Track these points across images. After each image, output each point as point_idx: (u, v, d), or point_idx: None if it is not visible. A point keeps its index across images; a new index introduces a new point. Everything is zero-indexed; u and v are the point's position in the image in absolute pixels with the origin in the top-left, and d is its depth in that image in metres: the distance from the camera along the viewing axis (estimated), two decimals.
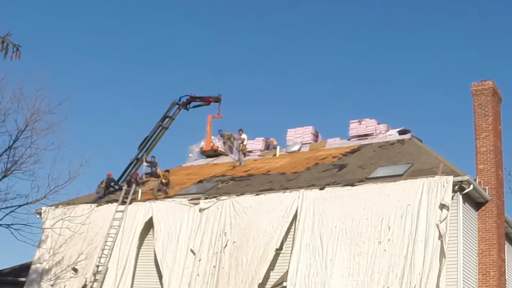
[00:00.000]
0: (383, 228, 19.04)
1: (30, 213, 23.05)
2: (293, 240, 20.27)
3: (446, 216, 18.25)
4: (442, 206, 18.39)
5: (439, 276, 17.79)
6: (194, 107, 29.99)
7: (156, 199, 23.94)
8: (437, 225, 18.21)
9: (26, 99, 21.62)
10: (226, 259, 21.06)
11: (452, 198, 18.71)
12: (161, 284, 22.08)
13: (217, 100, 29.56)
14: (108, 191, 25.95)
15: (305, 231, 20.09)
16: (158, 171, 26.86)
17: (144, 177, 26.97)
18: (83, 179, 51.34)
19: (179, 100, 29.56)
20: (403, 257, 18.42)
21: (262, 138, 28.41)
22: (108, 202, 24.96)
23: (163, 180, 24.89)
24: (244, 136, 27.01)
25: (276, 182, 22.76)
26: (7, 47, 11.80)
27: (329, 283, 19.04)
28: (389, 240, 18.81)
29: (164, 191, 24.52)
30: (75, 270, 23.32)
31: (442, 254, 17.99)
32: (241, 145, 26.69)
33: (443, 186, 18.60)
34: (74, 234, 23.24)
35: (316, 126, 28.09)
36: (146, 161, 27.50)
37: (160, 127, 29.01)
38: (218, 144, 28.70)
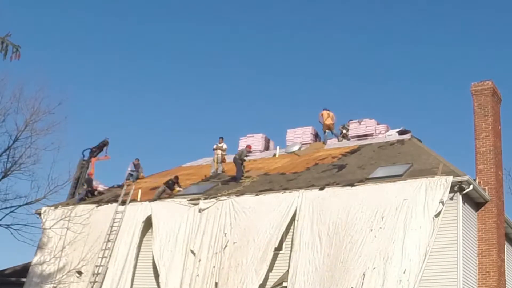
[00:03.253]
0: (377, 218, 19.04)
1: (30, 213, 23.09)
2: (292, 240, 20.24)
3: (441, 210, 18.25)
4: (439, 202, 18.35)
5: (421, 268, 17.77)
6: (95, 156, 29.71)
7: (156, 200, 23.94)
8: (432, 218, 18.21)
9: (26, 99, 21.66)
10: (226, 259, 21.03)
11: (452, 199, 18.71)
12: (158, 284, 22.01)
13: (105, 144, 29.57)
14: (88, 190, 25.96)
15: (304, 230, 20.07)
16: (141, 175, 26.91)
17: (126, 181, 27.07)
18: None
19: (83, 157, 28.89)
20: (392, 242, 18.35)
21: (261, 135, 28.36)
22: (108, 202, 24.96)
23: (178, 188, 24.39)
24: (225, 146, 26.98)
25: (276, 183, 22.74)
26: (6, 48, 11.78)
27: (324, 275, 19.05)
28: (380, 228, 18.80)
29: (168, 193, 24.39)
30: (79, 273, 23.25)
31: (430, 243, 17.98)
32: (222, 154, 26.56)
33: (442, 186, 18.59)
34: (76, 235, 23.21)
35: (316, 126, 28.12)
36: (134, 164, 27.69)
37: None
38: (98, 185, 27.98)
